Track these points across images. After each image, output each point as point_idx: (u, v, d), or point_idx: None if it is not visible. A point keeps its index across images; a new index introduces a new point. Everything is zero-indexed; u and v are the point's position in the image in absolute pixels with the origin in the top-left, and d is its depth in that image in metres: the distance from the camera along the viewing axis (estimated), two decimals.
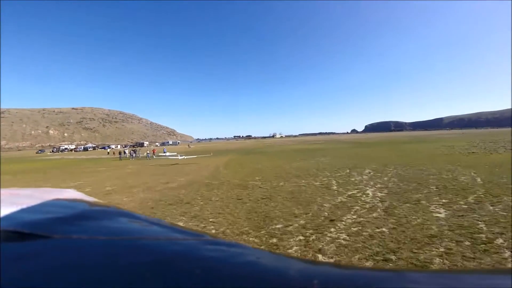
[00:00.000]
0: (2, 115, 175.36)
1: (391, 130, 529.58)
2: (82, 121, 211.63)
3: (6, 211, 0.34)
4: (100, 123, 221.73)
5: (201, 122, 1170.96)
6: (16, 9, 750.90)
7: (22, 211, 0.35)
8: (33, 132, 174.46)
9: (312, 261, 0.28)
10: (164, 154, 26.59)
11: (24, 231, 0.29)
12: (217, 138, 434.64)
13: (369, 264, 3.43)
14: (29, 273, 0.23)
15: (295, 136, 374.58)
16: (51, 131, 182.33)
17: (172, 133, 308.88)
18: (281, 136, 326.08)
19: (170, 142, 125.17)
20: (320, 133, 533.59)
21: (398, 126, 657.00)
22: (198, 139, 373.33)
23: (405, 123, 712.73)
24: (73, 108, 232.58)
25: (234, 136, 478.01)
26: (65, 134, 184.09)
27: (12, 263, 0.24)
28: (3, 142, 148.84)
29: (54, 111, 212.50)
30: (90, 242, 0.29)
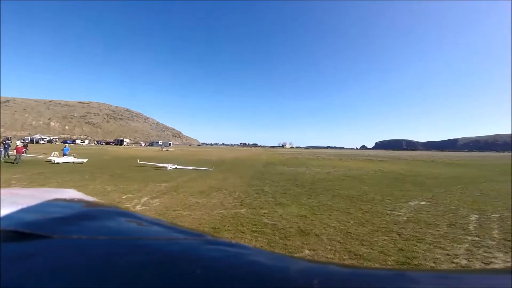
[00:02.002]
0: (6, 104, 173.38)
1: (403, 149, 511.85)
2: (87, 115, 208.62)
3: (6, 211, 0.33)
4: (105, 119, 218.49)
5: (208, 126, 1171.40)
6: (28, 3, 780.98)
7: (22, 211, 0.35)
8: (33, 122, 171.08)
9: (312, 261, 0.29)
10: (57, 158, 16.31)
11: (24, 231, 0.28)
12: (223, 144, 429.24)
13: None
14: (29, 273, 0.22)
15: (304, 148, 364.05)
16: (52, 123, 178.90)
17: (177, 135, 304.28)
18: (292, 147, 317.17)
19: (160, 143, 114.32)
20: (329, 147, 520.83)
21: (410, 145, 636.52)
22: (203, 143, 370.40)
23: (418, 142, 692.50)
24: (79, 102, 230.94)
25: (240, 143, 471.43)
26: (66, 127, 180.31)
27: (12, 263, 0.24)
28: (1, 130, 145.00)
29: (60, 103, 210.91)
30: (90, 242, 0.29)
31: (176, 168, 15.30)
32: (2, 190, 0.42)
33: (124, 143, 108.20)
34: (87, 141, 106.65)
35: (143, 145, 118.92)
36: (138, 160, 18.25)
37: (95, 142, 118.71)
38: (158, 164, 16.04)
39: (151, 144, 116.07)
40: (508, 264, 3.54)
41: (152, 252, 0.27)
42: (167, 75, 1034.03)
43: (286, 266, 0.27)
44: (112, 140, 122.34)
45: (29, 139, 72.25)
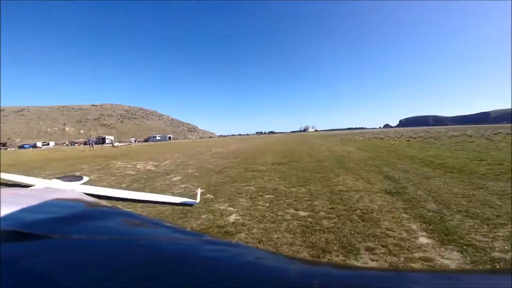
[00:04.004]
0: (21, 113, 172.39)
1: (429, 125, 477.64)
2: (100, 117, 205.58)
3: (6, 211, 0.33)
4: (119, 119, 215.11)
5: (224, 118, 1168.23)
6: (34, 5, 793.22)
7: (22, 211, 0.35)
8: (48, 129, 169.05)
9: (312, 261, 0.32)
10: None
11: (24, 231, 0.28)
12: (239, 134, 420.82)
13: None
14: (29, 273, 0.22)
15: (323, 131, 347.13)
16: (67, 128, 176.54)
17: (193, 129, 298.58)
18: (316, 130, 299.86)
19: (158, 137, 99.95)
20: (349, 128, 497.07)
21: (438, 121, 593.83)
22: (221, 135, 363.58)
23: (446, 117, 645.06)
24: (92, 105, 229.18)
25: (256, 132, 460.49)
26: (81, 131, 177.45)
27: (12, 263, 0.24)
28: (17, 140, 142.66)
29: (73, 108, 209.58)
30: (90, 242, 0.28)
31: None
32: (2, 190, 0.42)
33: (107, 141, 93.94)
34: (52, 143, 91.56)
35: (132, 142, 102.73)
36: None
37: (68, 143, 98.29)
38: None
39: (146, 140, 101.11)
40: None
41: (152, 252, 0.27)
42: (181, 72, 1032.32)
43: (286, 266, 0.27)
44: (93, 139, 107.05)
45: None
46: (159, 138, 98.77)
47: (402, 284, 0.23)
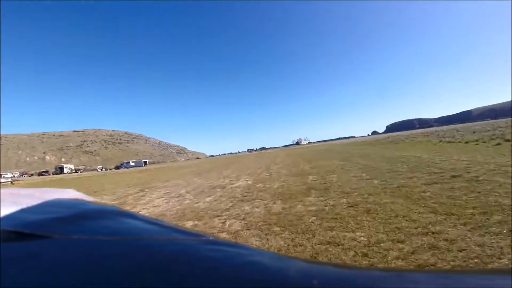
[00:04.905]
0: None
1: (415, 128, 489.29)
2: (83, 144, 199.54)
3: (6, 211, 0.33)
4: (102, 145, 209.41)
5: (214, 138, 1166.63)
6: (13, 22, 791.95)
7: (22, 211, 0.35)
8: (28, 158, 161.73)
9: (312, 261, 0.31)
10: None
11: (24, 231, 0.28)
12: (230, 153, 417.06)
13: None
14: (29, 273, 0.22)
15: (313, 143, 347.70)
16: (47, 157, 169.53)
17: (182, 151, 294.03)
18: (309, 142, 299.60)
19: (132, 163, 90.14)
20: (339, 138, 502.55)
21: (423, 124, 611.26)
22: (211, 155, 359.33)
23: (431, 119, 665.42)
24: (74, 131, 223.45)
25: (248, 150, 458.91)
26: (62, 159, 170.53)
27: (12, 263, 0.24)
28: None
29: (54, 135, 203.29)
30: (90, 242, 0.29)
31: None
32: (2, 190, 0.42)
33: (66, 170, 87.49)
34: (9, 174, 59.45)
35: (99, 169, 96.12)
36: None
37: (18, 174, 75.39)
38: None
39: (118, 168, 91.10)
40: None
41: (152, 252, 0.27)
42: (165, 92, 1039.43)
43: (285, 266, 0.27)
44: (52, 170, 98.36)
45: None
46: (133, 163, 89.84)
47: (402, 284, 0.23)
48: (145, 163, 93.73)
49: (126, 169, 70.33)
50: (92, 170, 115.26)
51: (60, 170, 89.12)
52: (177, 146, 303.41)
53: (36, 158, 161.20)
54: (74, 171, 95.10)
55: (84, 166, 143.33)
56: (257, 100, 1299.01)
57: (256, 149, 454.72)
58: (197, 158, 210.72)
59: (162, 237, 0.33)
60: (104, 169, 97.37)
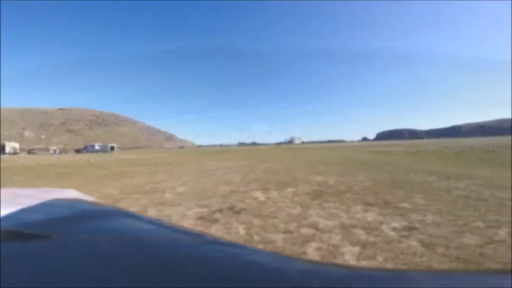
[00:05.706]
0: None
1: (405, 138, 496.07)
2: (66, 122, 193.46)
3: (6, 211, 0.34)
4: (87, 125, 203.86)
5: (205, 127, 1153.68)
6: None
7: (22, 211, 0.35)
8: (6, 133, 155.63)
9: (312, 261, 0.29)
10: None
11: (24, 231, 0.29)
12: (221, 145, 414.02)
13: None
14: (29, 273, 0.22)
15: (306, 143, 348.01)
16: (26, 133, 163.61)
17: (170, 138, 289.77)
18: (302, 142, 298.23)
19: (97, 147, 78.81)
20: (329, 141, 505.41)
21: (413, 134, 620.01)
22: (201, 145, 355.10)
23: (421, 131, 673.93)
24: (59, 109, 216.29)
25: (239, 143, 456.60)
26: (42, 137, 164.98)
27: (12, 263, 0.24)
28: None
29: (36, 111, 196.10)
30: (90, 242, 0.29)
31: None
32: (2, 190, 0.43)
33: (7, 149, 71.92)
34: None
35: (52, 152, 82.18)
36: None
37: None
38: None
39: (78, 151, 78.56)
40: None
41: (152, 252, 0.27)
42: (158, 76, 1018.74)
43: (285, 266, 0.27)
44: None
45: None
46: (98, 147, 79.89)
47: (402, 284, 0.23)
48: (112, 148, 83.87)
49: (87, 153, 62.56)
50: (45, 150, 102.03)
51: (2, 148, 74.20)
52: (165, 132, 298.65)
53: (14, 133, 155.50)
54: (17, 152, 77.57)
55: (64, 146, 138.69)
56: (253, 95, 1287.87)
57: (248, 143, 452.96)
58: (181, 147, 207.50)
59: (162, 237, 0.33)
60: (57, 152, 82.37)
